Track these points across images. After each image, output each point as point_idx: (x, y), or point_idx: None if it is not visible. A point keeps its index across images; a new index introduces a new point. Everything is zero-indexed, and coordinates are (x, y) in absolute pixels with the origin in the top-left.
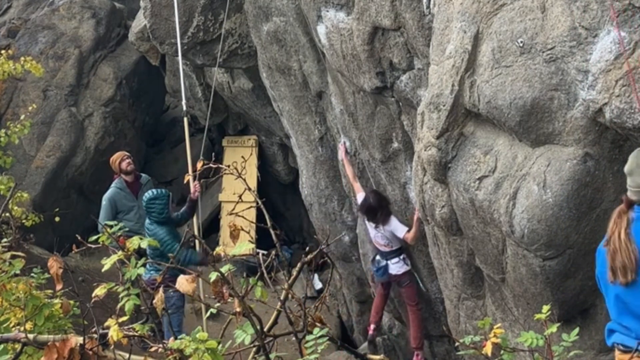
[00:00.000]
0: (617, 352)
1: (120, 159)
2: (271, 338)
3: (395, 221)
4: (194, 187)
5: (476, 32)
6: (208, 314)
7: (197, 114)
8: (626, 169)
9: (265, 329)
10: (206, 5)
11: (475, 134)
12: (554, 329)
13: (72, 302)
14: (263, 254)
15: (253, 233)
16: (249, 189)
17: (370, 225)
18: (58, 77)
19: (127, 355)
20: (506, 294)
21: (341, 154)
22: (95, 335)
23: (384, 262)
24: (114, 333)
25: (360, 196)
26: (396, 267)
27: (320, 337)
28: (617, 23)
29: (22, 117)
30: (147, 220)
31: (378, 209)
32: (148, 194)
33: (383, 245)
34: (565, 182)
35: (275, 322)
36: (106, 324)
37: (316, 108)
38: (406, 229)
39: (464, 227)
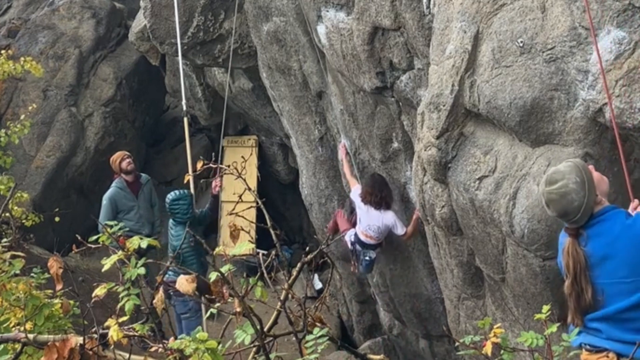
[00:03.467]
0: (584, 353)
1: (121, 159)
2: (271, 338)
3: (395, 217)
4: (215, 183)
5: (476, 32)
6: (208, 314)
7: (197, 114)
8: (558, 214)
9: (265, 329)
10: (206, 5)
11: (475, 134)
12: (554, 329)
13: (72, 302)
14: (263, 254)
15: (253, 233)
16: (249, 189)
17: (365, 214)
18: (58, 77)
19: (127, 355)
20: (506, 294)
21: (341, 154)
22: (95, 335)
23: (372, 255)
24: (114, 333)
25: (355, 189)
26: (373, 255)
27: (320, 337)
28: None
29: (22, 117)
30: (171, 222)
31: (385, 188)
32: (170, 196)
33: (371, 238)
34: None
35: (275, 322)
36: (106, 324)
37: (316, 108)
38: (405, 228)
39: (464, 227)
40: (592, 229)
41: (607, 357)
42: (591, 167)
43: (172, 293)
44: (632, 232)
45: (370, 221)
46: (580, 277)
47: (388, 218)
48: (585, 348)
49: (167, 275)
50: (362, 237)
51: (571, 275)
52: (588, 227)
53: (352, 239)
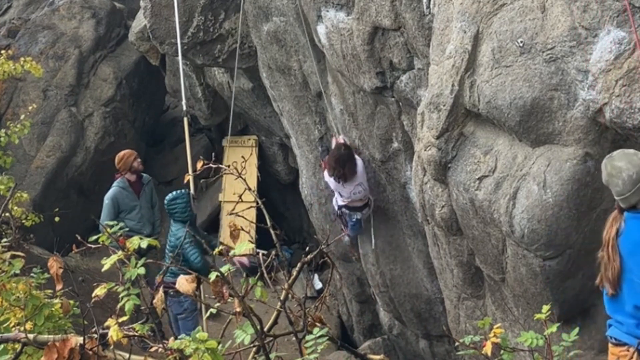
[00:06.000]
0: (610, 345)
1: (135, 157)
2: (271, 338)
3: (363, 174)
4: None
5: (476, 32)
6: (208, 314)
7: (197, 114)
8: (603, 180)
9: (265, 329)
10: (206, 5)
11: (475, 134)
12: (554, 329)
13: (72, 302)
14: (263, 254)
15: (253, 233)
16: (249, 189)
17: (341, 188)
18: (58, 77)
19: (127, 355)
20: (506, 294)
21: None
22: (95, 335)
23: (359, 215)
24: (114, 333)
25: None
26: (366, 214)
27: (320, 337)
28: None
29: (22, 117)
30: (171, 221)
31: (347, 163)
32: (169, 196)
33: (359, 201)
34: (565, 182)
35: (275, 322)
36: (106, 324)
37: (316, 108)
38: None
39: (464, 227)
40: (629, 223)
41: (628, 351)
42: None
43: (168, 294)
44: None
45: (349, 189)
46: (609, 247)
47: (359, 177)
48: (610, 341)
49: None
50: (350, 204)
51: (604, 243)
52: (627, 218)
53: (339, 204)
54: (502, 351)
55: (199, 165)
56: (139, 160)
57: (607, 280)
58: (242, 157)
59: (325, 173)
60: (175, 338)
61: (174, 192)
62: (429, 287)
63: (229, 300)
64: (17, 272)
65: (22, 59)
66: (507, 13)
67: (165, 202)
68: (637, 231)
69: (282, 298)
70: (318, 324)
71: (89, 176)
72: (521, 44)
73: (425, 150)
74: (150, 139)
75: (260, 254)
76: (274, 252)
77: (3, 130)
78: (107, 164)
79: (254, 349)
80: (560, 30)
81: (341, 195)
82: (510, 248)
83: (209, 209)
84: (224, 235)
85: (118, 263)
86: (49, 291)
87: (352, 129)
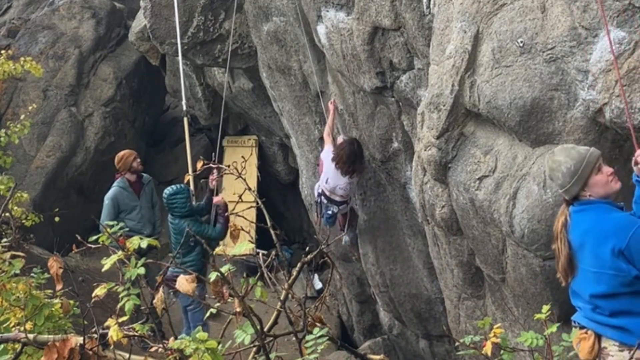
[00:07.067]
0: (574, 329)
1: (134, 157)
2: (271, 338)
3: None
4: (212, 177)
5: (476, 32)
6: (208, 314)
7: (197, 114)
8: (547, 175)
9: (265, 329)
10: (206, 5)
11: (475, 134)
12: (554, 329)
13: (72, 302)
14: (263, 254)
15: (253, 233)
16: (249, 189)
17: (333, 176)
18: (58, 77)
19: (127, 355)
20: (506, 294)
21: (331, 109)
22: (95, 335)
23: (335, 209)
24: (114, 333)
25: (327, 149)
26: (343, 210)
27: (320, 337)
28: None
29: (22, 117)
30: (170, 217)
31: (357, 160)
32: (168, 190)
33: (340, 196)
34: None
35: (275, 322)
36: (106, 324)
37: (316, 108)
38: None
39: (464, 227)
40: (574, 217)
41: (586, 334)
42: (606, 169)
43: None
44: (599, 227)
45: (338, 182)
46: (558, 239)
47: (355, 179)
48: (573, 325)
49: (170, 270)
50: (329, 194)
51: (554, 236)
52: (573, 211)
53: (319, 191)
54: (502, 351)
55: (199, 165)
56: (138, 160)
57: (558, 271)
58: (242, 157)
59: (325, 152)
60: (176, 337)
61: (174, 187)
62: (429, 287)
63: (229, 300)
64: (17, 272)
65: (22, 59)
66: (507, 13)
67: (165, 196)
68: (582, 223)
69: (282, 298)
70: (318, 324)
71: (89, 176)
72: (521, 44)
73: (425, 150)
74: (150, 139)
75: (260, 254)
76: (274, 252)
77: (3, 130)
78: (107, 164)
79: (254, 349)
80: (560, 30)
81: (326, 182)
82: (510, 248)
83: None
84: None
85: (118, 263)
86: (49, 291)
87: (352, 129)
